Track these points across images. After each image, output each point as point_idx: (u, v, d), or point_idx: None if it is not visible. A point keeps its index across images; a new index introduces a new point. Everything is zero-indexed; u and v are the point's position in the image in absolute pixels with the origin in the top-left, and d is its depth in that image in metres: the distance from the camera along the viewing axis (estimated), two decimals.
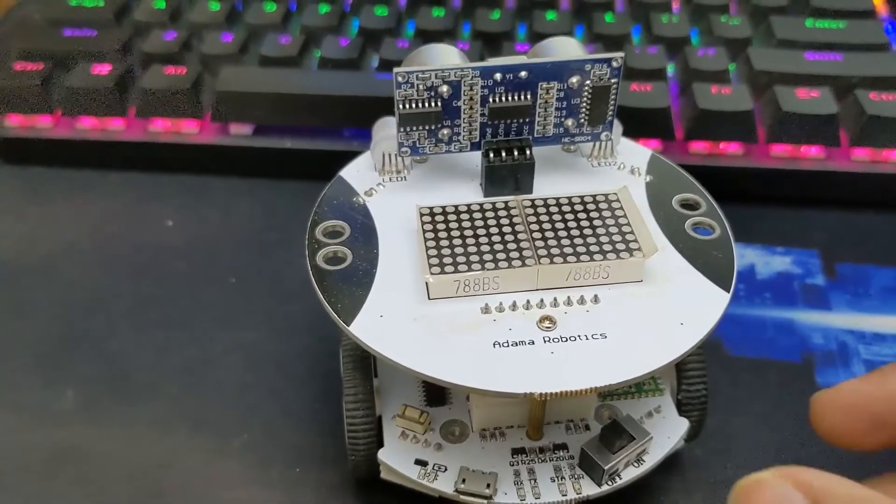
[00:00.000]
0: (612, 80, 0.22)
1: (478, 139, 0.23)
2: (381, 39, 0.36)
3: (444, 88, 0.22)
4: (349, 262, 0.21)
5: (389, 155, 0.24)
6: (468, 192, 0.24)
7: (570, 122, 0.23)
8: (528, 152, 0.23)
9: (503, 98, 0.22)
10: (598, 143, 0.24)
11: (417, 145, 0.23)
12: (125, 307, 0.30)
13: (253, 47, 0.36)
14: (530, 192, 0.23)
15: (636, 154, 0.25)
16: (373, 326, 0.20)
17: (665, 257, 0.21)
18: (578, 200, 0.22)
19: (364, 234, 0.22)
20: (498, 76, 0.22)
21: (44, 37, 0.37)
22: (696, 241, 0.22)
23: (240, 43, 0.35)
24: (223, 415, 0.26)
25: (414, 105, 0.22)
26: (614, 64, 0.22)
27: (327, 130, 0.34)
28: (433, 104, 0.22)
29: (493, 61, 0.22)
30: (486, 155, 0.23)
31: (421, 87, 0.22)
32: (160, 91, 0.34)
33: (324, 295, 0.20)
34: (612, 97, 0.23)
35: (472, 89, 0.22)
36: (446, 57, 0.23)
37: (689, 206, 0.23)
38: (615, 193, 0.22)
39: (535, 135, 0.23)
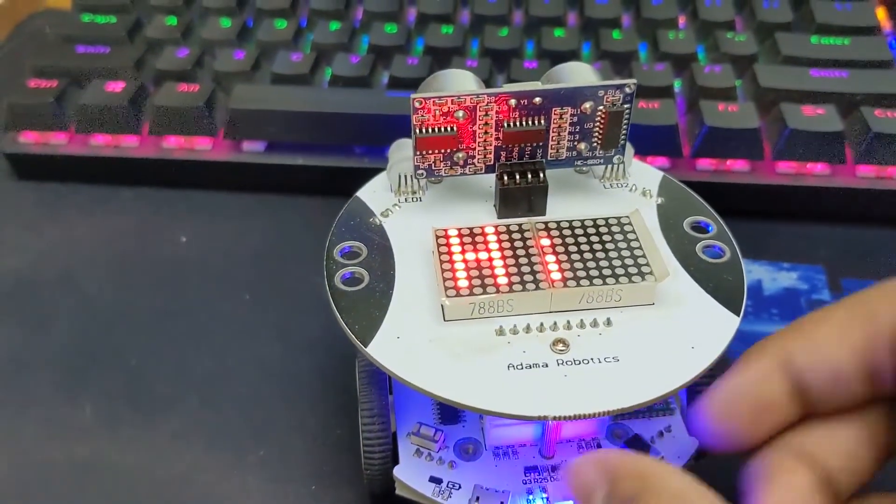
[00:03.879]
0: (625, 106, 0.23)
1: (492, 162, 0.24)
2: (391, 57, 0.36)
3: (460, 114, 0.22)
4: (366, 283, 0.22)
5: (405, 176, 0.24)
6: (482, 214, 0.24)
7: (582, 145, 0.23)
8: (541, 175, 0.23)
9: (518, 123, 0.23)
10: (610, 166, 0.25)
11: (433, 168, 0.23)
12: (142, 322, 0.30)
13: (265, 64, 0.36)
14: (543, 213, 0.24)
15: (648, 175, 0.25)
16: (390, 348, 0.20)
17: (676, 280, 0.22)
18: (591, 223, 0.22)
19: (381, 255, 0.23)
20: (513, 102, 0.22)
21: (57, 53, 0.38)
22: (706, 264, 0.22)
23: (252, 60, 0.36)
24: (240, 430, 0.27)
25: (430, 130, 0.23)
26: (627, 90, 0.23)
27: (339, 147, 0.34)
28: (449, 129, 0.23)
29: (508, 87, 0.23)
30: (500, 178, 0.23)
31: (437, 112, 0.22)
32: (173, 108, 0.34)
33: (341, 315, 0.21)
34: (625, 122, 0.23)
35: (487, 114, 0.23)
36: (462, 83, 0.23)
37: (700, 228, 0.24)
38: (627, 217, 0.22)
39: (549, 158, 0.24)
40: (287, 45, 0.37)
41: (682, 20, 0.39)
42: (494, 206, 0.24)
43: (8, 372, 0.29)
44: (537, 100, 0.22)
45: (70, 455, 0.26)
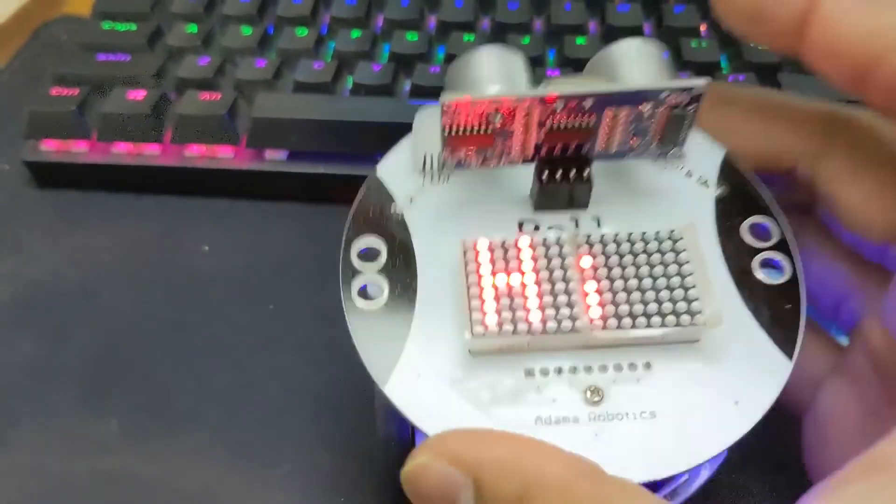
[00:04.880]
0: (689, 109, 0.20)
1: (531, 156, 0.21)
2: (413, 65, 0.36)
3: (498, 117, 0.20)
4: (385, 298, 0.20)
5: (432, 156, 0.22)
6: (517, 204, 0.22)
7: (636, 140, 0.21)
8: (585, 173, 0.21)
9: (564, 126, 0.20)
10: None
11: (463, 162, 0.21)
12: (164, 332, 0.30)
13: (286, 73, 0.36)
14: (585, 206, 0.22)
15: (707, 157, 0.22)
16: (409, 389, 0.19)
17: (728, 309, 0.20)
18: (640, 239, 0.20)
19: (402, 258, 0.21)
20: (560, 105, 0.20)
21: (78, 61, 0.37)
22: (763, 286, 0.20)
23: (274, 68, 0.36)
24: (264, 442, 0.27)
25: (462, 130, 0.20)
26: (695, 91, 0.19)
27: (361, 156, 0.34)
28: (484, 130, 0.20)
29: (556, 87, 0.20)
30: (538, 174, 0.21)
31: (471, 113, 0.20)
32: (196, 117, 0.34)
33: (359, 344, 0.19)
34: (688, 123, 0.20)
35: (528, 115, 0.20)
36: (506, 69, 0.20)
37: (760, 233, 0.21)
38: (681, 233, 0.20)
39: (596, 152, 0.21)
40: (308, 53, 0.37)
41: (703, 28, 0.39)
42: (531, 196, 0.22)
43: (30, 382, 0.29)
44: (589, 102, 0.19)
45: (93, 467, 0.26)
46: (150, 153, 0.35)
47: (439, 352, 0.19)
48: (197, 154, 0.35)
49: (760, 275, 0.20)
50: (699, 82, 0.19)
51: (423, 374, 0.19)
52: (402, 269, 0.21)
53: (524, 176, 0.22)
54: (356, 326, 0.20)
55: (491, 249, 0.20)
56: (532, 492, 0.15)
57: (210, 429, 0.27)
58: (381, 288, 0.20)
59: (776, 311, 0.20)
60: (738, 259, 0.21)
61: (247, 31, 0.38)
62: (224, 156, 0.35)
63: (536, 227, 0.21)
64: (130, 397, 0.28)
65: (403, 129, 0.33)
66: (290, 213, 0.34)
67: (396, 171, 0.22)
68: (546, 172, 0.21)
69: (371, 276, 0.20)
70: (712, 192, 0.22)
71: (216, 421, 0.27)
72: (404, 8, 0.39)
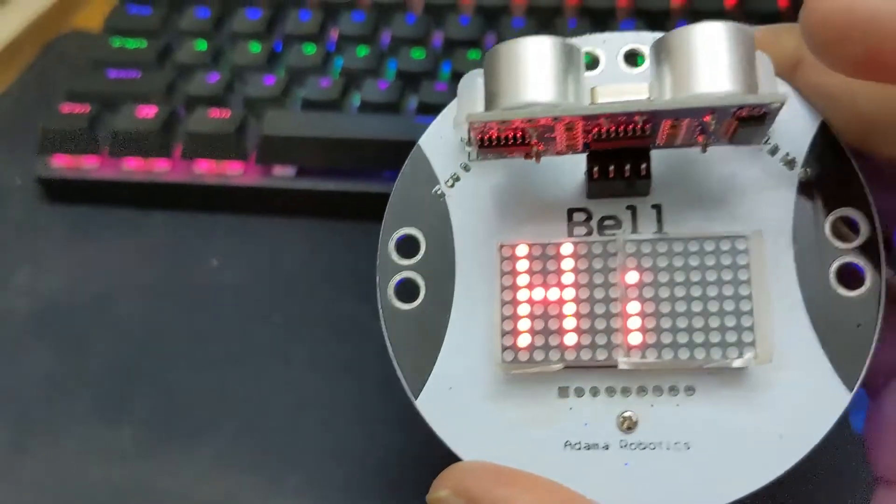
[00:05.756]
0: (763, 126, 0.17)
1: (580, 147, 0.18)
2: (420, 82, 0.37)
3: (533, 133, 0.17)
4: (422, 298, 0.19)
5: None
6: (569, 188, 0.19)
7: (703, 137, 0.18)
8: (643, 168, 0.18)
9: (614, 134, 0.17)
10: None
11: (502, 156, 0.19)
12: (176, 344, 0.31)
13: (295, 90, 0.37)
14: (646, 194, 0.19)
15: (799, 129, 0.19)
16: (441, 403, 0.18)
17: (788, 324, 0.18)
18: (696, 246, 0.18)
19: (440, 251, 0.19)
20: (604, 121, 0.17)
21: (89, 78, 0.38)
22: (836, 298, 0.18)
23: (282, 86, 0.36)
24: (277, 454, 0.27)
25: (494, 141, 0.18)
26: (768, 108, 0.16)
27: (368, 172, 0.34)
28: (519, 140, 0.18)
29: (602, 103, 0.17)
30: (589, 169, 0.19)
31: (503, 129, 0.17)
32: (205, 134, 0.34)
33: (394, 351, 0.19)
34: (763, 130, 0.17)
35: (571, 129, 0.17)
36: (548, 67, 0.17)
37: (847, 229, 0.18)
38: (745, 239, 0.18)
39: (657, 144, 0.18)
40: (316, 70, 0.37)
41: None
42: (585, 182, 0.19)
43: (45, 396, 0.29)
44: (640, 117, 0.17)
45: (109, 479, 0.27)
46: (160, 169, 0.35)
47: (473, 363, 0.19)
48: (206, 170, 0.35)
49: (835, 283, 0.18)
50: (775, 98, 0.16)
51: (456, 386, 0.18)
52: (441, 266, 0.19)
53: (580, 156, 0.19)
54: (392, 330, 0.19)
55: (530, 257, 0.18)
56: None
57: (224, 440, 0.28)
58: (418, 287, 0.19)
59: (845, 329, 0.17)
60: (812, 262, 0.18)
61: (255, 48, 0.38)
62: (233, 172, 0.35)
63: (588, 219, 0.19)
64: (144, 408, 0.29)
65: (410, 146, 0.34)
66: (298, 229, 0.35)
67: (441, 142, 0.20)
68: (596, 168, 0.18)
69: (408, 273, 0.19)
70: (797, 174, 0.18)
71: (230, 433, 0.28)
72: (410, 25, 0.39)
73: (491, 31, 0.40)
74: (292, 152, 0.34)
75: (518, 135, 0.17)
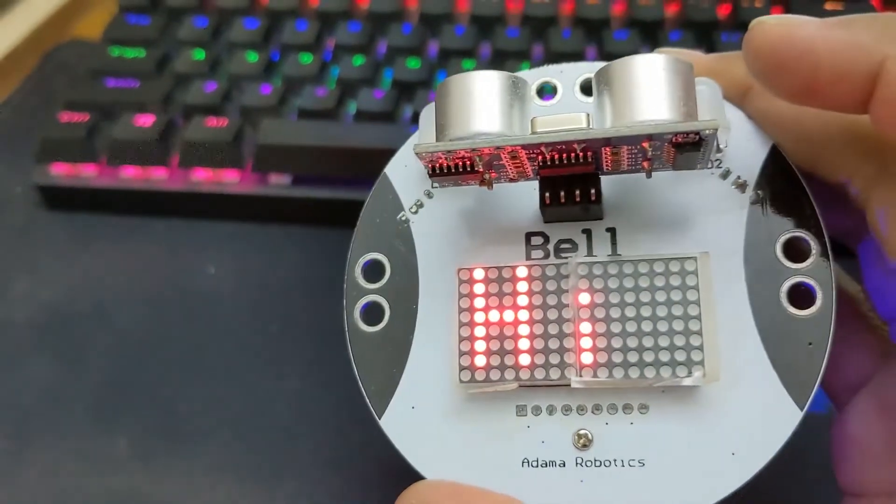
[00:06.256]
0: (697, 153, 0.17)
1: (531, 175, 0.19)
2: (415, 91, 0.37)
3: (479, 161, 0.18)
4: (386, 321, 0.20)
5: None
6: (527, 213, 0.20)
7: (648, 164, 0.18)
8: (593, 193, 0.19)
9: (558, 161, 0.18)
10: None
11: (457, 185, 0.20)
12: (172, 353, 0.31)
13: (291, 99, 0.37)
14: (599, 219, 0.20)
15: (750, 152, 0.19)
16: (403, 422, 0.19)
17: (739, 344, 0.18)
18: (646, 267, 0.18)
19: (405, 276, 0.20)
20: (546, 149, 0.18)
21: (88, 87, 0.38)
22: (787, 319, 0.18)
23: (278, 95, 0.37)
24: (272, 463, 0.27)
25: (444, 170, 0.19)
26: (702, 135, 0.17)
27: (363, 181, 0.35)
28: (468, 168, 0.19)
29: (541, 132, 0.18)
30: (541, 194, 0.19)
31: (450, 159, 0.18)
32: (202, 142, 0.35)
33: (358, 370, 0.20)
34: (703, 155, 0.18)
35: (515, 157, 0.18)
36: (483, 105, 0.18)
37: (797, 250, 0.19)
38: (693, 260, 0.18)
39: (605, 170, 0.19)
40: (313, 80, 0.38)
41: None
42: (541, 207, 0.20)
43: (42, 404, 0.29)
44: (578, 146, 0.18)
45: (105, 487, 0.27)
46: (158, 177, 0.36)
47: (434, 384, 0.19)
48: (203, 178, 0.36)
49: (786, 303, 0.18)
50: (706, 125, 0.17)
51: (418, 406, 0.19)
52: (405, 289, 0.20)
53: (535, 184, 0.20)
54: (357, 351, 0.20)
55: (486, 280, 0.19)
56: None
57: (219, 449, 0.28)
58: (383, 311, 0.20)
59: (796, 348, 0.18)
60: (764, 283, 0.18)
61: (252, 57, 0.39)
62: (230, 180, 0.35)
63: (545, 242, 0.20)
64: (141, 418, 0.29)
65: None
66: (294, 236, 0.35)
67: (405, 171, 0.21)
68: (548, 195, 0.19)
69: (374, 297, 0.20)
70: (748, 196, 0.19)
71: (225, 441, 0.28)
72: (406, 35, 0.40)
73: (485, 41, 0.40)
74: (288, 161, 0.35)
75: (466, 163, 0.18)
